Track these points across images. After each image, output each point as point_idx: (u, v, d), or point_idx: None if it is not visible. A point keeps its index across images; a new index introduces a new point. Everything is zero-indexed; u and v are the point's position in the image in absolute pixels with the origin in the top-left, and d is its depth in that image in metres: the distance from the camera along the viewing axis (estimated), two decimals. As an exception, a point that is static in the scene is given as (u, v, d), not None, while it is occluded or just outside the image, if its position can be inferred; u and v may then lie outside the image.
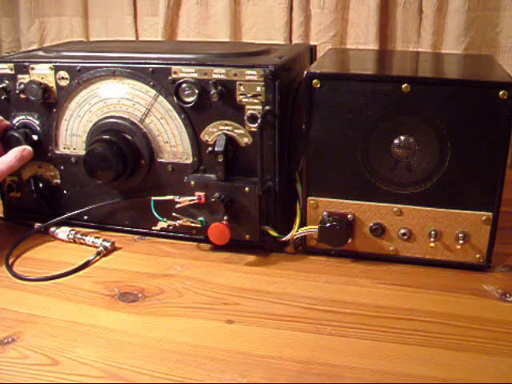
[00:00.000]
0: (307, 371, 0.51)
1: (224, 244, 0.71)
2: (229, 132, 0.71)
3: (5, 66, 0.76)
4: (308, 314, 0.60)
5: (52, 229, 0.78)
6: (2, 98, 0.77)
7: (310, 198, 0.71)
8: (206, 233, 0.71)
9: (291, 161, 0.75)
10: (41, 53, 0.82)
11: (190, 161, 0.74)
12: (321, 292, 0.65)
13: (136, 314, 0.61)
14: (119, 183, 0.75)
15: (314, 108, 0.67)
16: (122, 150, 0.73)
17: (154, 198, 0.74)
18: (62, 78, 0.75)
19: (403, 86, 0.64)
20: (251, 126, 0.70)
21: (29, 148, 0.76)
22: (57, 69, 0.75)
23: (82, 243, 0.76)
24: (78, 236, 0.76)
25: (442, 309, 0.61)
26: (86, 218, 0.80)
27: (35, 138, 0.78)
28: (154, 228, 0.76)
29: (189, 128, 0.72)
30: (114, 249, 0.75)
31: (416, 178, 0.67)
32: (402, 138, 0.66)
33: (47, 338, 0.56)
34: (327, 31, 1.09)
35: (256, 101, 0.69)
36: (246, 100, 0.69)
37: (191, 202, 0.71)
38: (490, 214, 0.66)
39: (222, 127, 0.71)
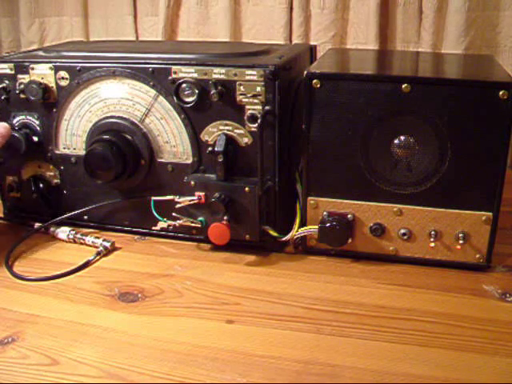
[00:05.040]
0: (307, 371, 0.51)
1: (224, 244, 0.71)
2: (229, 132, 0.71)
3: (5, 65, 0.76)
4: (308, 314, 0.60)
5: (52, 229, 0.78)
6: (2, 98, 0.77)
7: (309, 198, 0.71)
8: (205, 233, 0.71)
9: (291, 161, 0.75)
10: (41, 53, 0.82)
11: (190, 161, 0.74)
12: (321, 292, 0.65)
13: (136, 314, 0.61)
14: (119, 183, 0.75)
15: (314, 108, 0.67)
16: (121, 150, 0.73)
17: (154, 198, 0.74)
18: (62, 77, 0.75)
19: (403, 86, 0.64)
20: (251, 126, 0.70)
21: (5, 125, 0.74)
22: (57, 69, 0.75)
23: (82, 243, 0.76)
24: (78, 236, 0.76)
25: (442, 309, 0.61)
26: (85, 217, 0.80)
27: (35, 138, 0.78)
28: (154, 228, 0.76)
29: (189, 128, 0.72)
30: (113, 249, 0.75)
31: (416, 177, 0.67)
32: (402, 138, 0.66)
33: (47, 337, 0.56)
34: (327, 31, 1.09)
35: (256, 101, 0.69)
36: (246, 100, 0.69)
37: (191, 202, 0.71)
38: (490, 213, 0.66)
39: (222, 127, 0.71)
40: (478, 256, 0.68)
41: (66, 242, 0.77)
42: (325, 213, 0.71)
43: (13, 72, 0.76)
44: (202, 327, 0.58)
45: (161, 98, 0.72)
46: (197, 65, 0.70)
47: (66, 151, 0.78)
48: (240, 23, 1.15)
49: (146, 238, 0.78)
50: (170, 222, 0.73)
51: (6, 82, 0.77)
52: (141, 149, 0.74)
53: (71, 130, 0.77)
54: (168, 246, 0.76)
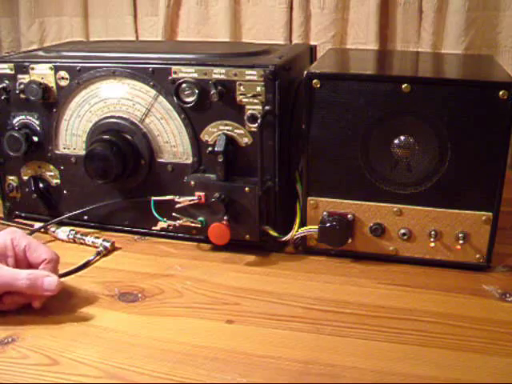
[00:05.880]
0: (307, 371, 0.51)
1: (224, 244, 0.71)
2: (229, 132, 0.71)
3: (5, 65, 0.77)
4: (308, 314, 0.60)
5: (52, 229, 0.78)
6: (2, 98, 0.77)
7: (309, 198, 0.71)
8: (205, 233, 0.71)
9: (291, 161, 0.75)
10: (41, 53, 0.82)
11: (189, 161, 0.74)
12: (321, 292, 0.65)
13: (136, 313, 0.61)
14: (119, 183, 0.75)
15: (314, 108, 0.67)
16: (121, 150, 0.73)
17: (154, 198, 0.74)
18: (62, 78, 0.75)
19: (403, 86, 0.64)
20: (251, 125, 0.70)
21: (52, 280, 0.58)
22: (57, 69, 0.75)
23: (82, 243, 0.76)
24: (78, 236, 0.76)
25: (441, 309, 0.61)
26: (85, 217, 0.80)
27: (35, 138, 0.78)
28: (154, 228, 0.76)
29: (189, 128, 0.72)
30: (113, 249, 0.75)
31: (416, 177, 0.67)
32: (402, 138, 0.66)
33: (47, 337, 0.56)
34: (327, 31, 1.09)
35: (256, 101, 0.69)
36: (246, 100, 0.69)
37: (191, 202, 0.71)
38: (490, 213, 0.66)
39: (222, 127, 0.71)
40: (478, 256, 0.68)
41: (66, 242, 0.77)
42: (325, 213, 0.70)
43: (13, 72, 0.76)
44: (201, 327, 0.58)
45: (161, 98, 0.72)
46: (197, 65, 0.70)
47: (66, 151, 0.78)
48: (240, 23, 1.15)
49: (146, 237, 0.78)
50: (170, 222, 0.73)
51: (6, 82, 0.77)
52: (141, 149, 0.74)
53: (71, 130, 0.77)
54: (168, 246, 0.76)
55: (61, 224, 0.78)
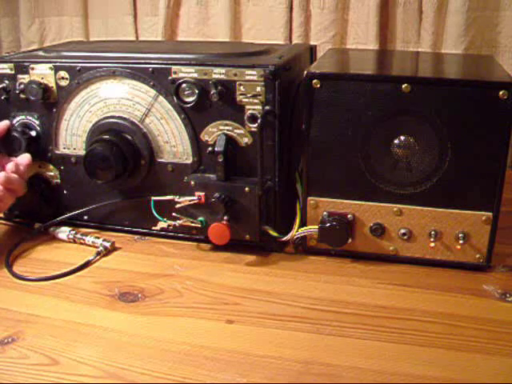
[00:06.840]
0: (307, 371, 0.51)
1: (224, 244, 0.71)
2: (229, 132, 0.71)
3: (5, 65, 0.76)
4: (308, 314, 0.60)
5: (52, 229, 0.78)
6: (2, 98, 0.77)
7: (309, 198, 0.71)
8: (206, 233, 0.71)
9: (291, 161, 0.75)
10: (41, 53, 0.82)
11: (189, 161, 0.74)
12: (321, 292, 0.65)
13: (136, 313, 0.61)
14: (119, 183, 0.75)
15: (314, 108, 0.67)
16: (121, 150, 0.73)
17: (154, 198, 0.74)
18: (62, 78, 0.75)
19: (403, 86, 0.64)
20: (251, 126, 0.70)
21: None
22: (57, 69, 0.75)
23: (82, 243, 0.76)
24: (78, 236, 0.76)
25: (441, 309, 0.61)
26: (85, 218, 0.80)
27: (35, 138, 0.78)
28: (154, 228, 0.76)
29: (189, 128, 0.72)
30: (113, 249, 0.75)
31: (416, 177, 0.67)
32: (402, 138, 0.66)
33: (47, 338, 0.56)
34: (327, 31, 1.09)
35: (256, 101, 0.69)
36: (246, 100, 0.69)
37: (191, 202, 0.71)
38: (490, 214, 0.66)
39: (222, 127, 0.71)
40: (478, 256, 0.68)
41: (66, 241, 0.77)
42: (325, 213, 0.70)
43: (13, 72, 0.76)
44: (201, 327, 0.58)
45: (161, 98, 0.72)
46: (197, 65, 0.70)
47: (66, 151, 0.78)
48: (240, 23, 1.15)
49: (146, 238, 0.78)
50: (170, 222, 0.73)
51: (6, 81, 0.77)
52: (141, 149, 0.74)
53: (71, 129, 0.77)
54: (168, 246, 0.76)
55: (61, 224, 0.78)
